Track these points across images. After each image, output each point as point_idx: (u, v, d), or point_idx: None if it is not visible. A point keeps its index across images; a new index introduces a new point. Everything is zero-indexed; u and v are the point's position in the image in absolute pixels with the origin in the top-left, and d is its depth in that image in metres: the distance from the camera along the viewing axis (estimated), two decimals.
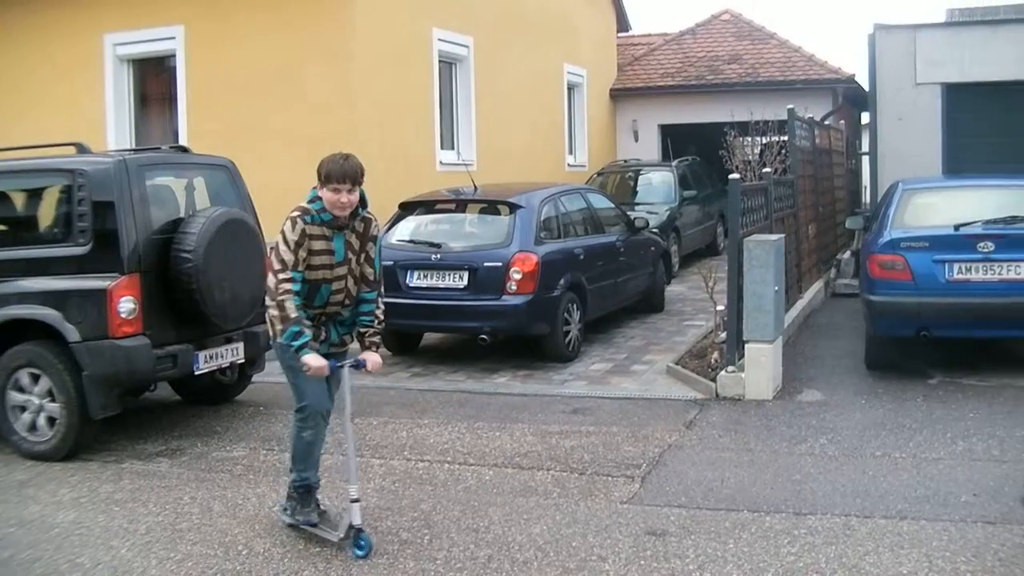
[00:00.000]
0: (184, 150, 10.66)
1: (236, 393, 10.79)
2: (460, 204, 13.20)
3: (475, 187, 13.17)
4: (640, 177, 21.60)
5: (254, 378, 10.86)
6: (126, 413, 9.43)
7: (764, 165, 14.32)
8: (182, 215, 9.46)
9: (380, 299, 6.92)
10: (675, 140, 24.15)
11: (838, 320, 14.74)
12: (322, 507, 7.00)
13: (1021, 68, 17.98)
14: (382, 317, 6.92)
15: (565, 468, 8.21)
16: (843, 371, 11.49)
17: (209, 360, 9.47)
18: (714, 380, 10.52)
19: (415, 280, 11.98)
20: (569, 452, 8.64)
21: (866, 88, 21.27)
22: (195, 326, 9.25)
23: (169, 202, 9.64)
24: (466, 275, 11.73)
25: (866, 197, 23.82)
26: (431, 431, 9.43)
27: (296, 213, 6.48)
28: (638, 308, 15.04)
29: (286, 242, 6.38)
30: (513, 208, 12.24)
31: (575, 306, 12.36)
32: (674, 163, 21.42)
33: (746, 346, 10.43)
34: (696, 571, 6.08)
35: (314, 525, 6.79)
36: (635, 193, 20.88)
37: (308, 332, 6.36)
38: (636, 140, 26.16)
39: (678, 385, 10.99)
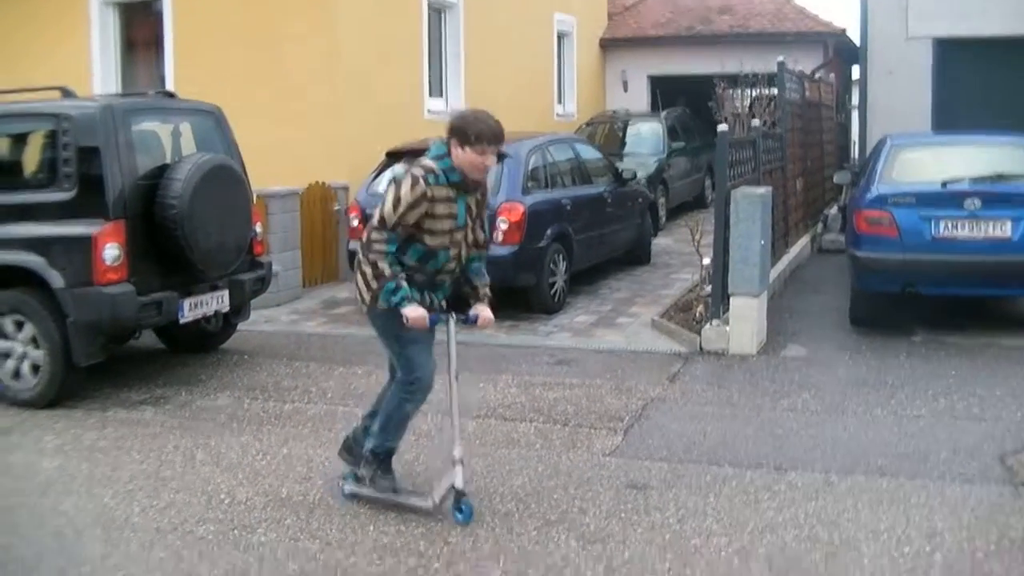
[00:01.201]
0: (170, 95, 10.58)
1: (221, 341, 10.78)
2: None
3: None
4: (629, 128, 21.47)
5: (239, 326, 10.85)
6: (110, 361, 9.42)
7: (753, 118, 14.29)
8: (168, 161, 9.40)
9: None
10: (664, 91, 24.06)
11: (824, 275, 14.75)
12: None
13: (1012, 24, 17.98)
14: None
15: (548, 420, 8.26)
16: (827, 327, 11.52)
17: (194, 308, 9.45)
18: (698, 334, 10.54)
19: None
20: (552, 404, 8.68)
21: (857, 42, 21.23)
22: (180, 273, 9.23)
23: (155, 148, 9.58)
24: None
25: (855, 152, 23.84)
26: None
27: (420, 172, 5.93)
28: (624, 260, 15.04)
29: (397, 199, 5.86)
30: (500, 157, 12.05)
31: (561, 257, 12.36)
32: (663, 114, 21.36)
33: (731, 300, 10.44)
34: (676, 524, 6.12)
35: (397, 492, 6.42)
36: (623, 144, 20.77)
37: (405, 286, 5.94)
38: (625, 90, 26.09)
39: (663, 338, 11.02)
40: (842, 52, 25.33)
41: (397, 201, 5.86)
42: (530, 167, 12.32)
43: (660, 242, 16.77)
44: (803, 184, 16.34)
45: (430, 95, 17.65)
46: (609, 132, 21.57)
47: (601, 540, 5.92)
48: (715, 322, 10.51)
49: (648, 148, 20.16)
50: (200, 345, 10.65)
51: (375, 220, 5.94)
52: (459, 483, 6.12)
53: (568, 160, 13.67)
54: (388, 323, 6.12)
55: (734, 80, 16.68)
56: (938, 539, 5.89)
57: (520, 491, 6.70)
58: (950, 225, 10.67)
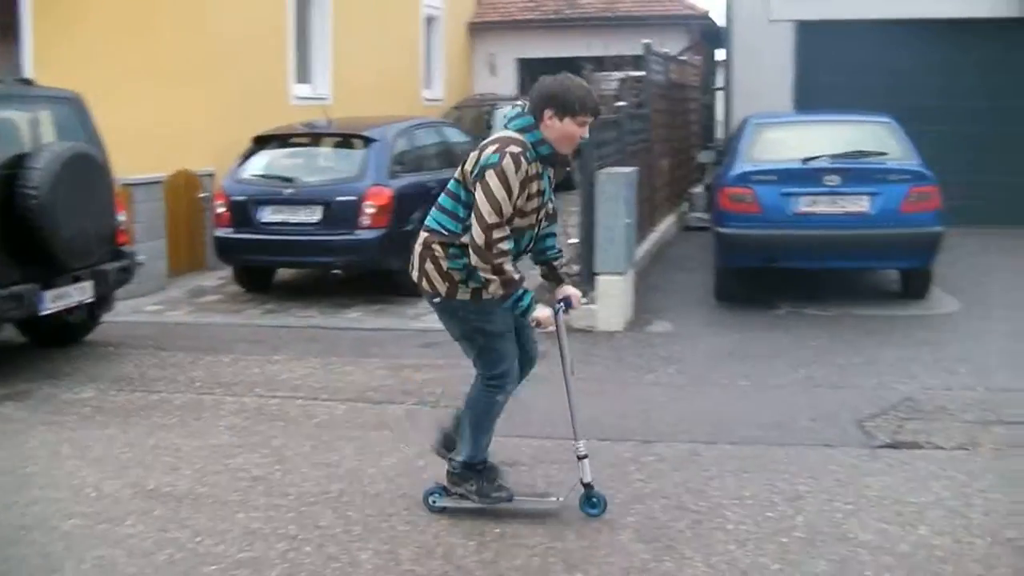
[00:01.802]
0: (28, 83, 10.33)
1: (85, 333, 10.54)
2: (314, 138, 13.10)
3: (329, 120, 13.07)
4: (496, 111, 21.61)
5: (104, 318, 10.65)
6: None
7: (619, 99, 14.42)
8: (26, 150, 9.17)
9: None
10: (534, 74, 24.16)
11: (690, 253, 14.99)
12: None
13: (871, 7, 18.32)
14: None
15: (417, 401, 8.29)
16: (693, 303, 11.72)
17: (56, 300, 9.24)
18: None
19: (268, 215, 11.88)
20: (421, 385, 8.71)
21: (721, 24, 21.52)
22: (41, 265, 9.02)
23: (12, 137, 9.33)
24: (319, 209, 11.66)
25: (720, 132, 24.21)
26: (283, 367, 9.40)
27: (516, 149, 5.31)
28: None
29: (507, 187, 5.26)
30: (367, 142, 12.21)
31: None
32: None
33: (597, 278, 10.55)
34: None
35: (513, 499, 5.95)
36: (491, 127, 20.87)
37: (528, 288, 5.50)
38: (493, 74, 26.16)
39: None
40: (707, 34, 25.71)
41: (508, 188, 5.27)
42: (397, 151, 12.36)
43: None
44: (669, 164, 16.55)
45: (297, 81, 17.52)
46: (477, 116, 21.65)
47: (472, 517, 5.93)
48: (582, 300, 10.59)
49: None
50: (64, 338, 10.39)
51: (488, 218, 5.28)
52: (587, 477, 5.86)
53: (435, 144, 13.72)
54: (473, 315, 5.68)
55: (601, 63, 16.84)
56: (800, 502, 6.06)
57: (390, 471, 6.71)
58: (810, 201, 10.95)
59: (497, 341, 5.73)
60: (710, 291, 11.93)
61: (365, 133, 12.37)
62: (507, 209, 5.29)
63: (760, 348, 9.73)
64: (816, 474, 6.50)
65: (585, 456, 5.88)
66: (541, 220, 5.66)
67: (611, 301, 10.46)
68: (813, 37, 18.97)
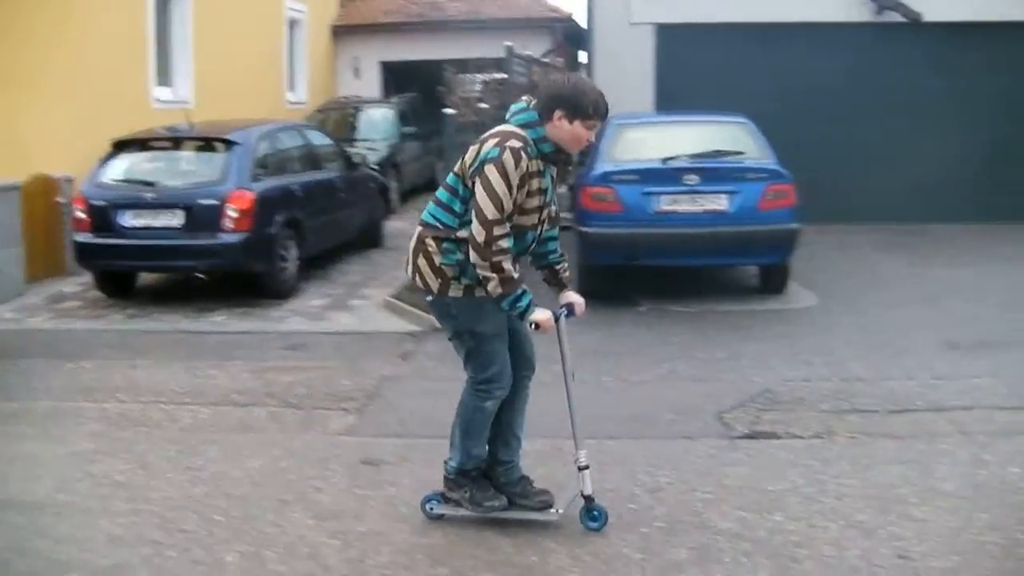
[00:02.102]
0: None
1: None
2: (176, 142, 12.93)
3: (191, 124, 12.92)
4: (360, 114, 21.68)
5: None
6: None
7: (481, 102, 14.50)
8: None
9: None
10: (398, 77, 24.23)
11: None
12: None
13: (729, 11, 18.65)
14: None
15: (282, 403, 8.25)
16: (556, 301, 11.75)
17: None
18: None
19: (129, 220, 11.69)
20: (286, 388, 8.66)
21: (584, 27, 21.72)
22: None
23: None
24: (182, 213, 11.53)
25: None
26: (146, 372, 9.27)
27: (517, 144, 5.19)
28: (358, 244, 15.10)
29: (507, 182, 5.13)
30: (229, 145, 12.11)
31: (293, 243, 12.33)
32: (395, 100, 21.52)
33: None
34: (412, 497, 6.16)
35: (509, 508, 5.81)
36: (355, 129, 20.92)
37: (528, 290, 5.40)
38: (357, 77, 26.09)
39: (395, 318, 11.12)
40: (571, 37, 25.93)
41: (508, 184, 5.14)
42: (259, 154, 12.30)
43: (393, 225, 16.77)
44: None
45: (158, 84, 17.25)
46: (341, 118, 21.63)
47: (337, 516, 5.95)
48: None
49: (380, 133, 20.36)
50: None
51: (489, 214, 5.15)
52: (588, 489, 5.70)
53: (298, 147, 13.70)
54: (468, 314, 5.53)
55: (464, 65, 16.90)
56: (661, 493, 6.19)
57: (256, 474, 6.67)
58: (671, 200, 11.13)
59: (487, 343, 5.60)
60: (573, 289, 12.00)
61: (227, 136, 12.27)
62: (508, 205, 5.17)
63: (623, 345, 9.87)
64: (677, 466, 6.63)
65: (586, 467, 5.74)
66: (544, 221, 5.55)
67: None
68: (673, 40, 19.22)
